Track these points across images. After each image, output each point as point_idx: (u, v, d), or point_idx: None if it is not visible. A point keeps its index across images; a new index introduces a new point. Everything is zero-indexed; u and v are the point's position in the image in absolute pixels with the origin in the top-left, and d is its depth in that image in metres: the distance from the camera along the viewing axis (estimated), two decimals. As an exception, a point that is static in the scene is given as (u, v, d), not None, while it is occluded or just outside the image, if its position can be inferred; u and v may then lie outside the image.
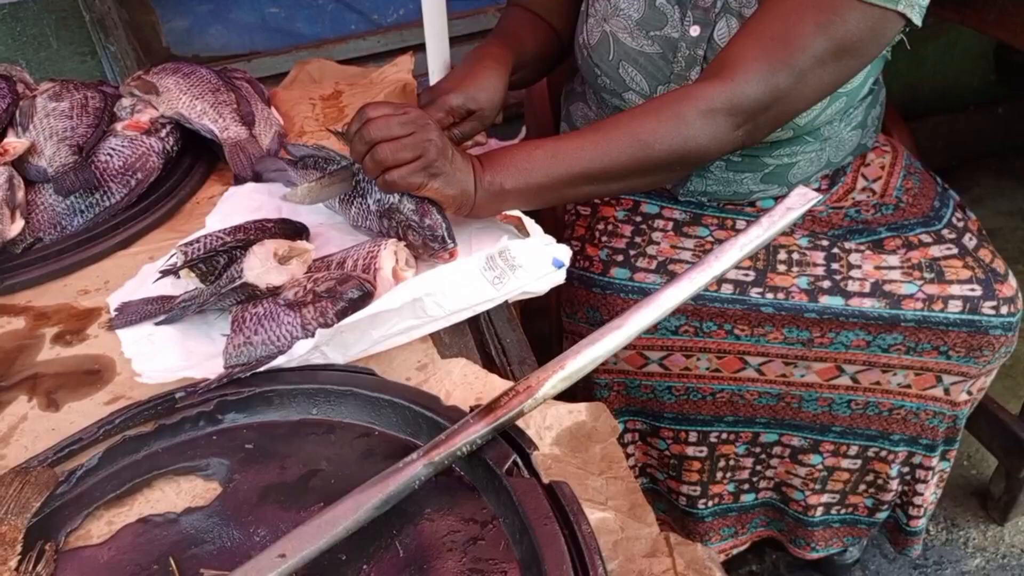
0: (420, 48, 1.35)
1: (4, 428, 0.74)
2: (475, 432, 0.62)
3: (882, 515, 1.23)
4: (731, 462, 1.20)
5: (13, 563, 0.59)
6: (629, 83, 1.06)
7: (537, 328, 1.12)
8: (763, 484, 1.24)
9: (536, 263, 0.82)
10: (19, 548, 0.60)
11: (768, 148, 1.07)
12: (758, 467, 1.21)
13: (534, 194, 0.86)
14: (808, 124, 1.02)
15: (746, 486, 1.24)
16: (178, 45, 1.90)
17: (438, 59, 1.14)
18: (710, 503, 1.24)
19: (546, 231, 1.21)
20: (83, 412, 0.75)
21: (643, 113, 0.87)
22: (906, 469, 1.17)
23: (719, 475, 1.21)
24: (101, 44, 1.76)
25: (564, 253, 0.83)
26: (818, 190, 1.16)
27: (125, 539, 0.63)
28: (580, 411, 0.71)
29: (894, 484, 1.18)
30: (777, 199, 1.13)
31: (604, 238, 1.11)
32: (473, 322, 0.84)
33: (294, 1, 1.90)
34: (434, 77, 1.17)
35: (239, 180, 1.05)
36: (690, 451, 1.17)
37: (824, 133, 1.07)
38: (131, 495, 0.67)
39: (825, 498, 1.22)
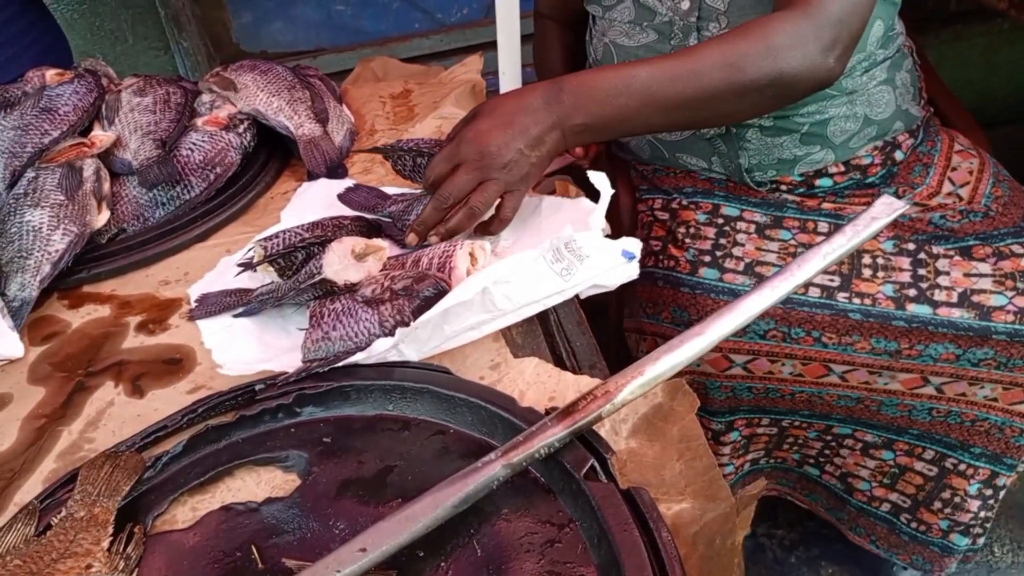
0: (483, 47, 1.36)
1: (93, 412, 0.76)
2: (553, 435, 0.63)
3: (959, 540, 1.19)
4: (799, 440, 1.19)
5: (105, 544, 0.61)
6: None
7: (595, 331, 1.12)
8: (829, 468, 1.22)
9: (604, 254, 0.81)
10: (111, 530, 0.62)
11: (794, 107, 1.07)
12: (826, 451, 1.19)
13: (623, 123, 0.87)
14: None
15: (811, 460, 1.22)
16: (247, 41, 1.94)
17: (510, 58, 1.14)
18: (771, 460, 1.23)
19: (620, 228, 1.22)
20: (166, 400, 0.77)
21: (729, 37, 0.87)
22: (989, 492, 1.13)
23: (785, 446, 1.20)
24: (175, 39, 1.81)
25: (634, 245, 0.82)
26: (877, 175, 1.13)
27: (209, 525, 0.65)
28: (656, 393, 0.70)
29: (973, 505, 1.14)
30: (829, 169, 1.12)
31: (688, 240, 1.11)
32: (544, 324, 0.84)
33: (360, -1, 1.94)
34: (504, 78, 1.18)
35: (312, 176, 1.06)
36: (760, 430, 1.17)
37: (845, 86, 1.07)
38: (214, 483, 0.68)
39: (894, 496, 1.19)
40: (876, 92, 1.10)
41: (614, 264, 0.81)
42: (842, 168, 1.13)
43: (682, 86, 0.85)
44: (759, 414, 1.15)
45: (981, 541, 1.20)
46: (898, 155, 1.15)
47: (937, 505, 1.17)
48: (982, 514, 1.16)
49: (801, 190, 1.14)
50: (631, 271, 0.82)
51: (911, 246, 1.06)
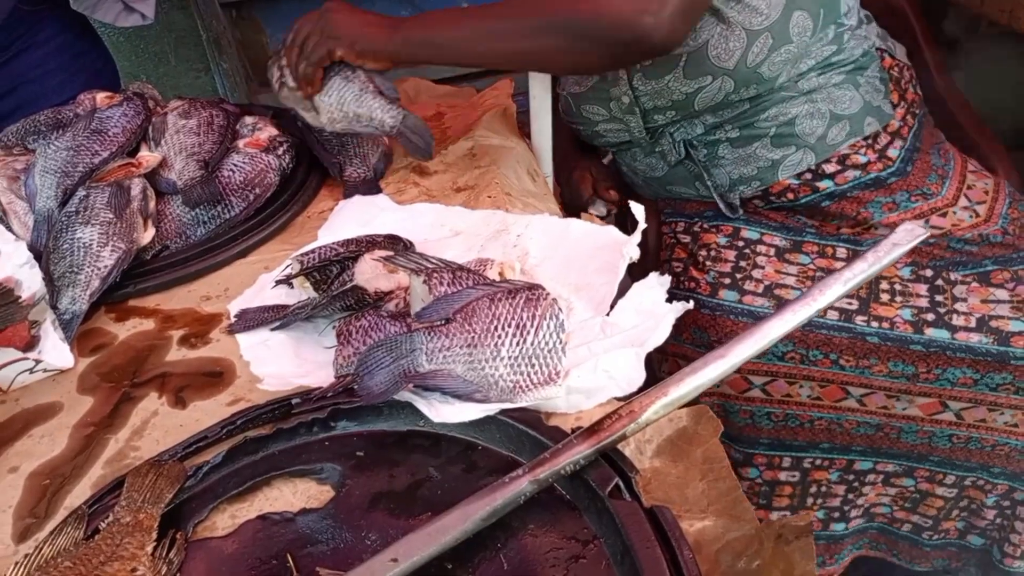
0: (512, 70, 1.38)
1: (138, 422, 0.80)
2: (578, 452, 0.65)
3: (974, 540, 1.19)
4: (823, 488, 1.19)
5: (149, 549, 0.64)
6: (593, 116, 1.19)
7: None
8: (854, 513, 1.22)
9: (650, 311, 0.82)
10: (155, 535, 0.65)
11: (750, 113, 1.10)
12: (850, 495, 1.20)
13: (440, 37, 0.99)
14: (758, 76, 1.06)
15: (836, 514, 1.22)
16: (284, 63, 2.00)
17: (540, 79, 1.17)
18: None
19: (646, 249, 1.23)
20: (207, 411, 0.80)
21: None
22: (1006, 503, 1.14)
23: (809, 500, 1.20)
24: (215, 61, 1.88)
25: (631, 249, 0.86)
26: (886, 171, 1.13)
27: (246, 533, 0.68)
28: (681, 417, 0.72)
29: (989, 513, 1.15)
30: (823, 169, 1.13)
31: (708, 262, 1.13)
32: (570, 343, 0.86)
33: (394, 22, 1.98)
34: (534, 100, 1.21)
35: (348, 195, 1.10)
36: (782, 476, 1.17)
37: (801, 87, 1.09)
38: (251, 492, 0.71)
39: (915, 519, 1.20)
40: (837, 90, 1.10)
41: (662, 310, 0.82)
42: (837, 166, 1.12)
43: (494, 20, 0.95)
44: (779, 451, 1.15)
45: (1017, 565, 1.19)
46: (892, 152, 1.14)
47: (955, 513, 1.18)
48: (998, 521, 1.16)
49: (806, 198, 1.13)
50: (673, 309, 0.82)
51: (928, 272, 1.07)
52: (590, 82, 1.16)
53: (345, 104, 1.06)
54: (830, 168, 1.13)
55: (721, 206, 1.17)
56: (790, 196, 1.15)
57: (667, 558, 0.58)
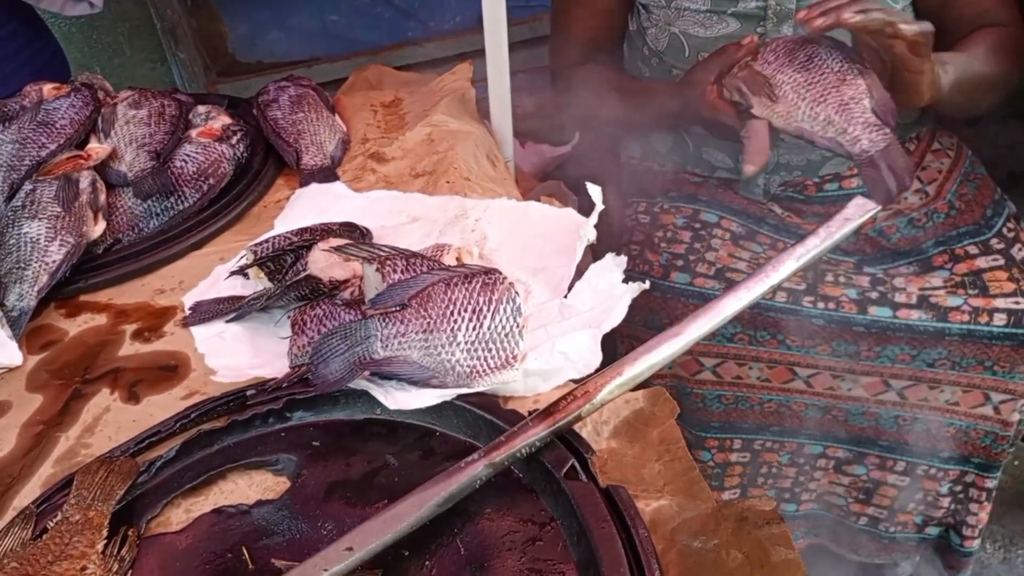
0: (475, 55, 1.37)
1: (90, 419, 0.78)
2: (534, 435, 0.64)
3: (932, 531, 1.22)
4: (773, 470, 1.20)
5: (100, 547, 0.63)
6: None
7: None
8: (805, 496, 1.24)
9: (607, 292, 0.82)
10: (105, 533, 0.64)
11: None
12: (800, 478, 1.21)
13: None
14: None
15: (787, 495, 1.24)
16: (242, 52, 1.97)
17: (497, 64, 1.16)
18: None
19: (608, 230, 1.23)
20: (161, 405, 0.79)
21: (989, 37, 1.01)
22: (959, 488, 1.16)
23: (760, 480, 1.21)
24: (171, 52, 1.84)
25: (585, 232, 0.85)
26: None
27: (201, 528, 0.67)
28: (637, 399, 0.73)
29: (945, 502, 1.17)
30: (842, 172, 1.14)
31: (663, 244, 1.13)
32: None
33: (354, 9, 1.96)
34: (492, 84, 1.20)
35: (304, 183, 1.08)
36: (733, 457, 1.18)
37: None
38: (206, 486, 0.70)
39: (871, 510, 1.22)
40: None
41: (620, 291, 0.82)
42: (855, 170, 1.15)
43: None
44: (730, 434, 1.16)
45: (974, 545, 1.22)
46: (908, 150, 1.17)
47: (911, 506, 1.20)
48: (953, 507, 1.18)
49: (812, 195, 1.15)
50: (631, 289, 0.82)
51: (871, 268, 1.09)
52: (728, 29, 1.07)
53: (827, 100, 0.83)
54: (846, 171, 1.15)
55: (747, 189, 1.17)
56: (800, 189, 1.17)
57: (622, 537, 0.59)
